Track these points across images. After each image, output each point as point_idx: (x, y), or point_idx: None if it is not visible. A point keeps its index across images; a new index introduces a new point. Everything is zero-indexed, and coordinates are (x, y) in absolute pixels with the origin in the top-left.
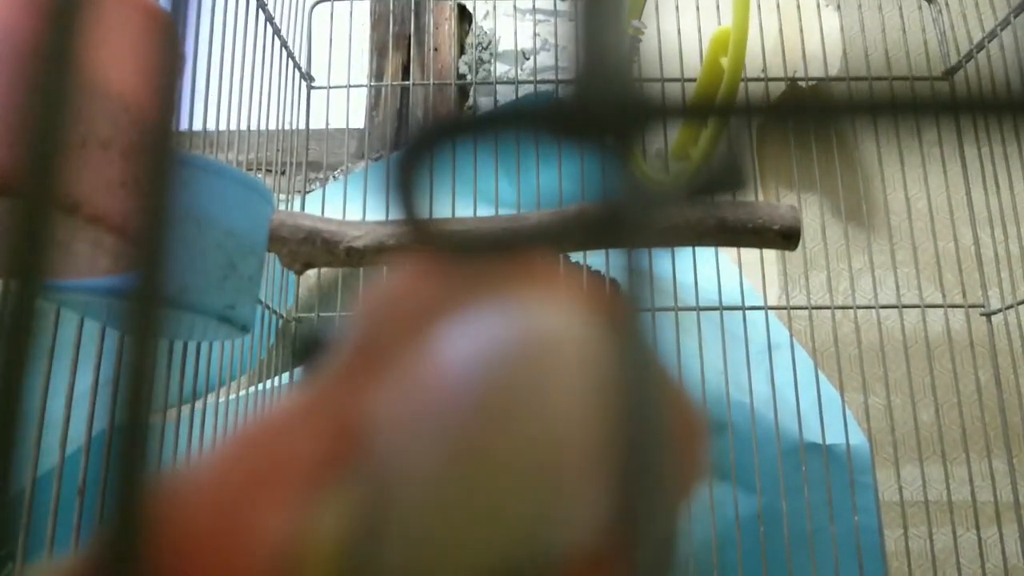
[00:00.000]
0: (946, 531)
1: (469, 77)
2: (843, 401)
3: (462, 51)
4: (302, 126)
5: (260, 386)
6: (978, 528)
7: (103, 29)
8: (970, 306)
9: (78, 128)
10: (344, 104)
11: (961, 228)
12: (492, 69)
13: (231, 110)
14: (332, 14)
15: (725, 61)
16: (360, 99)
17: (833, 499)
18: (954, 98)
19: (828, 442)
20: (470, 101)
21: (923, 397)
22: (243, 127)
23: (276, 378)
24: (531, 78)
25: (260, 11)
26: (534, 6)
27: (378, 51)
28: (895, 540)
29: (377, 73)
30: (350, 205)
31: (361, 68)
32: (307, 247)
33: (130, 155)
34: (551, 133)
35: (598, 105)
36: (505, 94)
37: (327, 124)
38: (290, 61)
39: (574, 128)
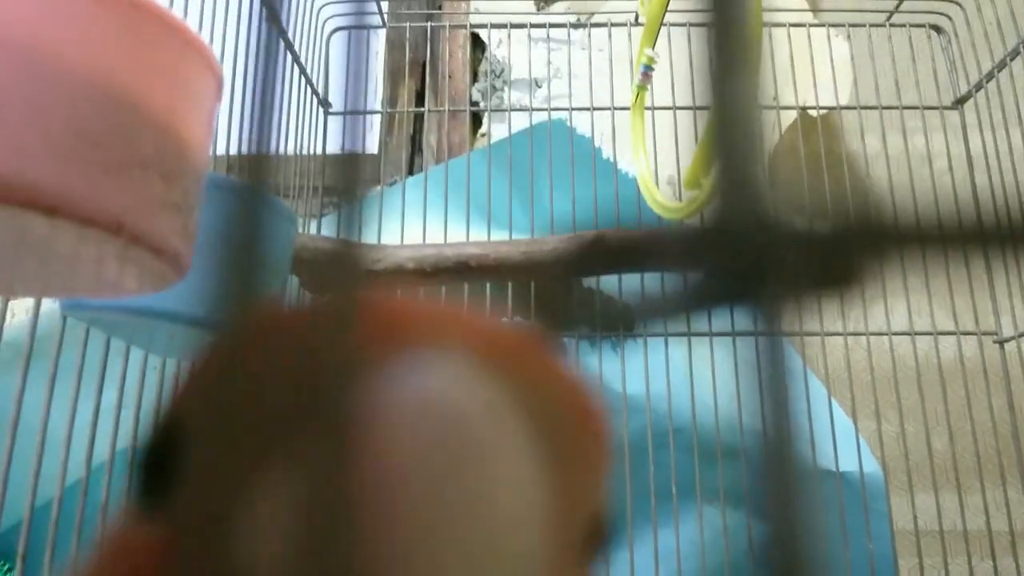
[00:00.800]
0: (961, 561)
1: (482, 104)
2: (856, 428)
3: (475, 78)
4: (318, 151)
5: None
6: (994, 558)
7: (144, 52)
8: (983, 333)
9: (122, 148)
10: (359, 129)
11: (972, 255)
12: (507, 96)
13: (253, 134)
14: (349, 41)
15: None
16: (375, 124)
17: (847, 527)
18: (1000, 232)
19: (841, 469)
20: (483, 128)
21: (936, 425)
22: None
23: None
24: (544, 105)
25: (280, 39)
26: (548, 36)
27: (392, 78)
28: (910, 570)
29: (391, 99)
30: (365, 229)
31: (377, 94)
32: (328, 270)
33: (169, 177)
34: (696, 266)
35: (741, 237)
36: (518, 121)
37: (343, 149)
38: (308, 87)
39: (718, 261)
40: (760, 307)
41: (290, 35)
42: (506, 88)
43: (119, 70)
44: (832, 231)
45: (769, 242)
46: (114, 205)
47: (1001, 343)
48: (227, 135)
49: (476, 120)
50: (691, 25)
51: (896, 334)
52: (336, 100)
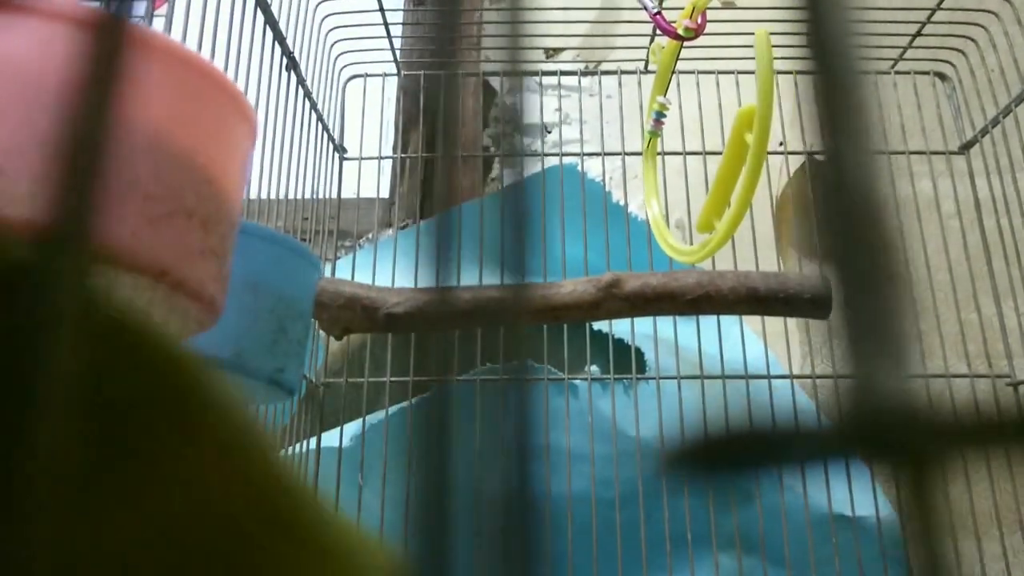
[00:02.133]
0: None
1: (492, 150)
2: (872, 472)
3: (486, 125)
4: (333, 195)
5: (282, 452)
6: None
7: (190, 104)
8: (996, 376)
9: (168, 198)
10: (371, 174)
11: (983, 299)
12: (522, 142)
13: (271, 179)
14: (365, 89)
15: (750, 137)
16: (387, 169)
17: (864, 573)
18: None
19: (857, 514)
20: (493, 173)
21: (952, 470)
22: (282, 196)
23: (299, 444)
24: (553, 151)
25: (300, 87)
26: (559, 82)
27: (405, 124)
28: None
29: (403, 145)
30: (379, 272)
31: (389, 140)
32: (347, 313)
33: (208, 224)
34: (838, 454)
35: (884, 426)
36: (528, 166)
37: (358, 193)
38: (325, 133)
39: (862, 450)
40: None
41: (308, 84)
42: (519, 136)
43: (168, 122)
44: (980, 425)
45: (916, 441)
46: (160, 253)
47: (1014, 385)
48: (249, 181)
49: (486, 165)
50: (699, 72)
51: (910, 377)
52: (351, 145)
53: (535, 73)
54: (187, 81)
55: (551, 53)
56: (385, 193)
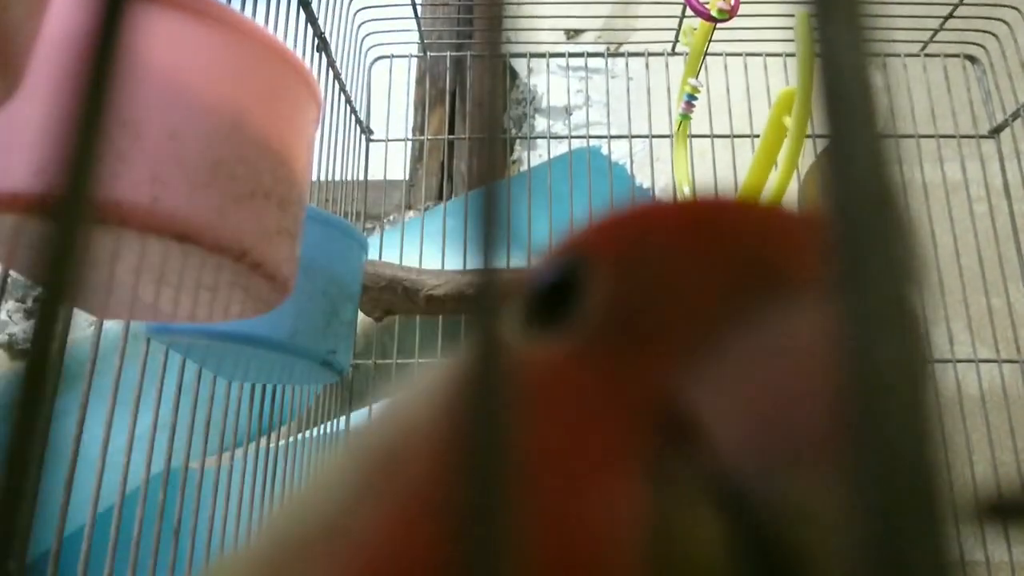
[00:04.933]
0: None
1: (513, 132)
2: None
3: (505, 107)
4: (359, 176)
5: (308, 433)
6: None
7: (265, 84)
8: None
9: (249, 179)
10: (392, 156)
11: (1012, 284)
12: (539, 124)
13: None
14: (391, 70)
15: (788, 120)
16: (407, 151)
17: None
18: None
19: None
20: (514, 155)
21: (977, 452)
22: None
23: (324, 425)
24: (574, 133)
25: (329, 69)
26: (587, 65)
27: (425, 105)
28: None
29: (420, 126)
30: (407, 253)
31: (409, 122)
32: (388, 295)
33: (283, 204)
34: None
35: None
36: (550, 149)
37: (385, 175)
38: (352, 115)
39: None
40: None
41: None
42: (536, 116)
43: (246, 102)
44: None
45: None
46: (241, 233)
47: None
48: None
49: (505, 146)
50: (727, 55)
51: (937, 361)
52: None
53: (561, 54)
54: (267, 64)
55: (572, 34)
56: (402, 175)
